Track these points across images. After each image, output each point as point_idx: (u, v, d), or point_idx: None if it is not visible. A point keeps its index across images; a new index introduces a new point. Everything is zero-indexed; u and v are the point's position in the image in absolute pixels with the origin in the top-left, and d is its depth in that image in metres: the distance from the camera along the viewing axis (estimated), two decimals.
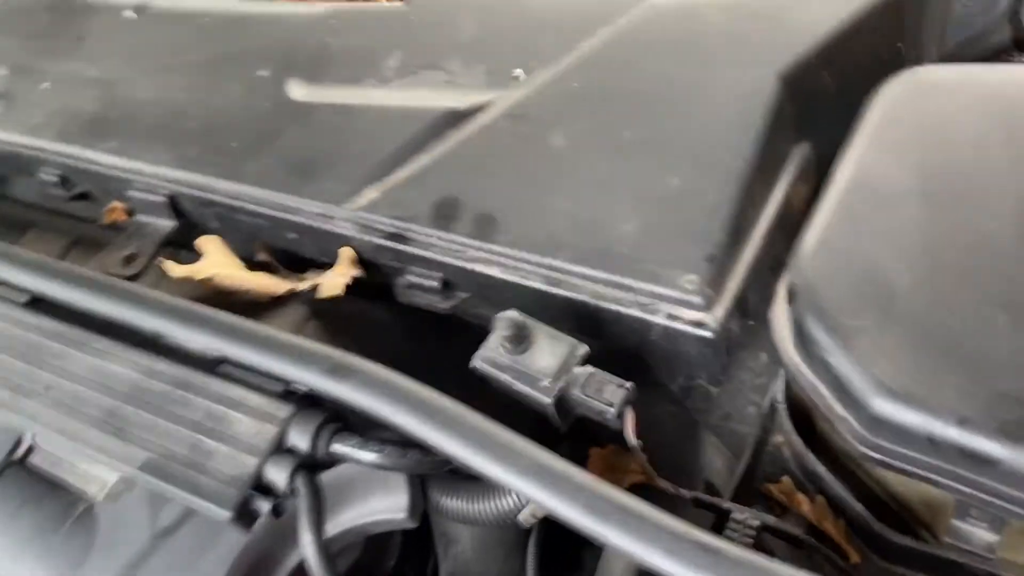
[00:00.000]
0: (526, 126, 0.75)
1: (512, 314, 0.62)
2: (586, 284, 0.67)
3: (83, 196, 1.01)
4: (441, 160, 0.77)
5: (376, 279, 0.79)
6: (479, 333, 0.64)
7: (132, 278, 0.86)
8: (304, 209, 0.81)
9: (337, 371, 0.59)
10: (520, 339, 0.62)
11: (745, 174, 0.66)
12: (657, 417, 0.70)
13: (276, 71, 0.90)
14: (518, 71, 0.80)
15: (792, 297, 0.60)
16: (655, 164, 0.69)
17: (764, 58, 0.68)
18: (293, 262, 0.87)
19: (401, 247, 0.76)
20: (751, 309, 0.67)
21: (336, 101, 0.85)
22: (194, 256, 0.87)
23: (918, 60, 0.75)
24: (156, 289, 0.85)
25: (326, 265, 0.85)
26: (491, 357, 0.62)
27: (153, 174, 0.90)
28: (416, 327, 0.79)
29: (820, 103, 0.71)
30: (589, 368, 0.62)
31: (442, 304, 0.76)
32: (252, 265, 0.86)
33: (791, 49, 0.68)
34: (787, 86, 0.68)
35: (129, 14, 1.04)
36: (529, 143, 0.74)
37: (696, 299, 0.63)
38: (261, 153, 0.85)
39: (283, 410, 0.61)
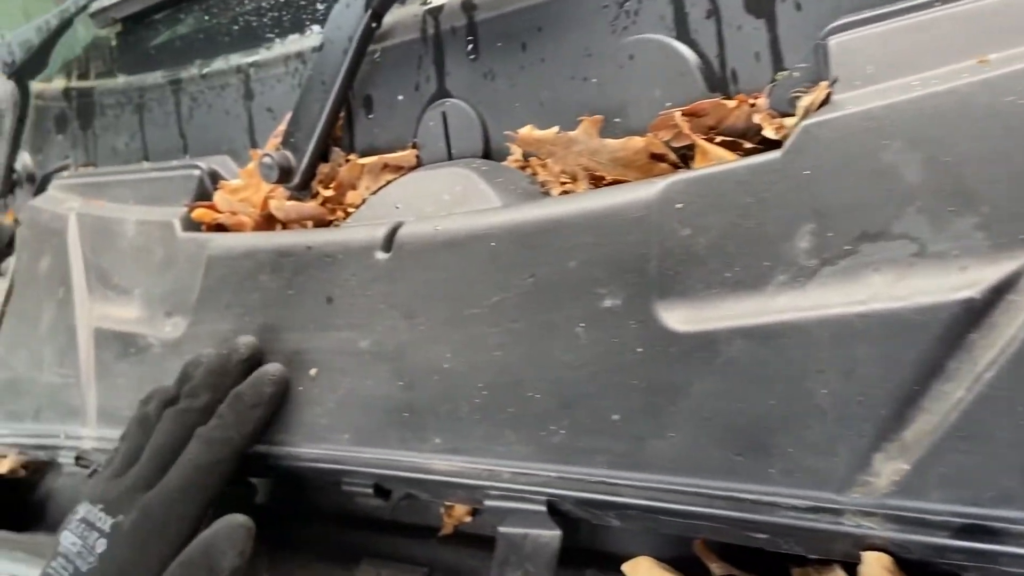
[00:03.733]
0: None
1: None
2: None
3: (408, 496, 0.80)
4: (997, 383, 0.49)
5: None
6: None
7: None
8: (780, 503, 0.55)
9: None
10: None
11: None
12: None
13: (628, 294, 0.64)
14: None
15: None
16: None
17: None
18: (755, 555, 0.62)
19: (989, 547, 0.48)
20: None
21: (746, 323, 0.59)
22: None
23: None
24: None
25: (820, 563, 0.59)
26: None
27: (514, 477, 0.67)
28: None
29: None
30: None
31: None
32: None
33: None
34: None
35: (380, 255, 0.81)
36: None
37: None
38: (664, 423, 0.60)
39: None
